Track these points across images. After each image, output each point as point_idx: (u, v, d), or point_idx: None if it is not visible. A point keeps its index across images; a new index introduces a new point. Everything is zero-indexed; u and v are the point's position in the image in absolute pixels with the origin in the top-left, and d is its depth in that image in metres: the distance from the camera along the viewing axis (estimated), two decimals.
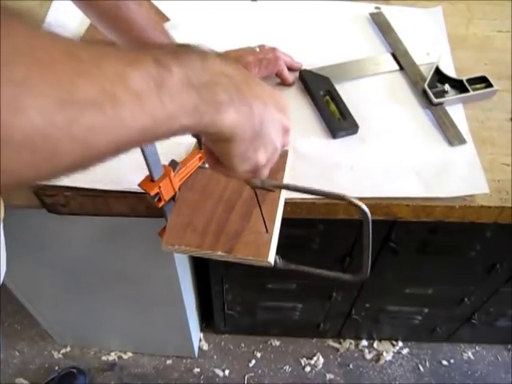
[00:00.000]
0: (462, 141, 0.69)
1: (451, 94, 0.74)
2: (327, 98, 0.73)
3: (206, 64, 0.32)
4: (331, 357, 1.46)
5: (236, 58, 0.69)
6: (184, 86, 0.29)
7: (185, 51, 0.32)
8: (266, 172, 0.43)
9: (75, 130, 0.23)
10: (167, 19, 0.81)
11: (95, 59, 0.25)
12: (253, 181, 0.44)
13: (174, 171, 0.54)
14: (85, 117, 0.23)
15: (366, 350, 1.47)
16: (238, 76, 0.34)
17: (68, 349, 1.45)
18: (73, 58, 0.23)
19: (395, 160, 0.67)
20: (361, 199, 0.63)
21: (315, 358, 1.45)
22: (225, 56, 0.35)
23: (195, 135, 0.53)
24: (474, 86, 0.75)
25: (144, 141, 0.29)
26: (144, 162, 0.51)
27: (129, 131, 0.26)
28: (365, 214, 0.44)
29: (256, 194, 0.51)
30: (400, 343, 1.48)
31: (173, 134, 0.31)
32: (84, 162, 0.26)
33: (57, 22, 0.81)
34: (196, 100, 0.30)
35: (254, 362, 1.44)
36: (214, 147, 0.38)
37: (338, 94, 0.73)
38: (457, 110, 0.73)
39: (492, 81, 0.75)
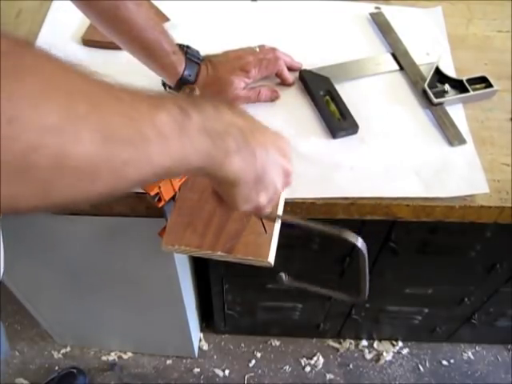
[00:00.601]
0: (461, 141, 0.69)
1: (451, 94, 0.74)
2: (327, 97, 0.73)
3: (220, 114, 0.35)
4: (331, 357, 1.46)
5: (236, 58, 0.69)
6: (201, 132, 0.33)
7: (201, 101, 0.35)
8: (268, 210, 0.46)
9: (113, 163, 0.27)
10: (167, 19, 0.81)
11: (132, 101, 0.29)
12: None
13: None
14: (122, 152, 0.27)
15: (366, 350, 1.47)
16: (246, 126, 0.38)
17: (68, 349, 1.45)
18: (117, 100, 0.28)
19: (395, 160, 0.67)
20: (361, 199, 0.64)
21: (315, 358, 1.45)
22: (234, 107, 0.38)
23: None
24: (474, 86, 0.75)
25: (163, 177, 0.34)
26: None
27: (154, 168, 0.30)
28: (361, 251, 0.47)
29: (262, 220, 0.52)
30: (400, 343, 1.48)
31: (185, 173, 0.36)
32: (113, 191, 0.29)
33: (57, 22, 0.81)
34: (209, 146, 0.33)
35: (253, 361, 1.44)
36: (219, 189, 0.42)
37: (338, 94, 0.73)
38: (457, 110, 0.73)
39: (492, 81, 0.75)
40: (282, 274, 0.54)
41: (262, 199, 0.43)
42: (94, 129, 0.25)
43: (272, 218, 0.51)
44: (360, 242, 0.46)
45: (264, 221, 0.52)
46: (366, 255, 0.47)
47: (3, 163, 0.21)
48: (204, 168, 0.34)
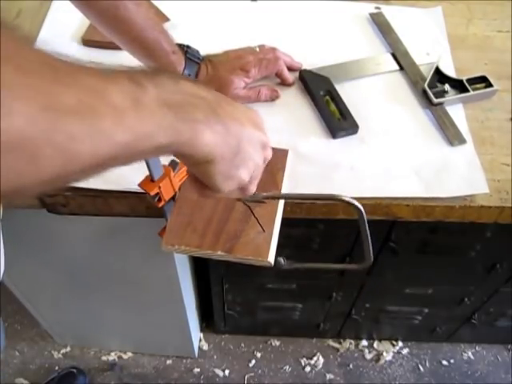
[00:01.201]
0: (461, 141, 0.69)
1: (451, 94, 0.74)
2: (327, 97, 0.73)
3: (179, 85, 0.33)
4: (331, 357, 1.46)
5: (236, 57, 0.69)
6: (159, 104, 0.30)
7: (156, 73, 0.32)
8: (253, 188, 0.44)
9: (56, 137, 0.23)
10: (167, 19, 0.81)
11: (72, 71, 0.26)
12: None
13: (173, 171, 0.54)
14: (65, 124, 0.24)
15: (366, 350, 1.47)
16: (212, 98, 0.35)
17: (68, 349, 1.45)
18: (51, 67, 0.24)
19: (395, 160, 0.67)
20: (361, 199, 0.64)
21: (315, 358, 1.45)
22: (197, 80, 0.36)
23: None
24: (474, 86, 0.75)
25: (126, 157, 0.29)
26: (144, 162, 0.51)
27: (110, 145, 0.27)
28: (358, 209, 0.44)
29: (250, 208, 0.51)
30: (400, 343, 1.48)
31: (153, 153, 0.31)
32: (67, 173, 0.26)
33: (57, 22, 0.81)
34: (172, 119, 0.31)
35: (253, 361, 1.44)
36: (197, 171, 0.38)
37: (338, 94, 0.73)
38: (457, 110, 0.73)
39: (492, 81, 0.75)
40: (280, 259, 0.53)
41: (244, 175, 0.40)
42: (24, 98, 0.22)
43: (261, 200, 0.49)
44: (356, 202, 0.44)
45: (263, 220, 0.52)
46: (365, 216, 0.45)
47: None
48: (172, 145, 0.31)
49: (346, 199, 0.43)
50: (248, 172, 0.40)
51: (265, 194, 0.49)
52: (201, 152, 0.34)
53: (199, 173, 0.38)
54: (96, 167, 0.28)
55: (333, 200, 0.45)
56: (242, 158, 0.38)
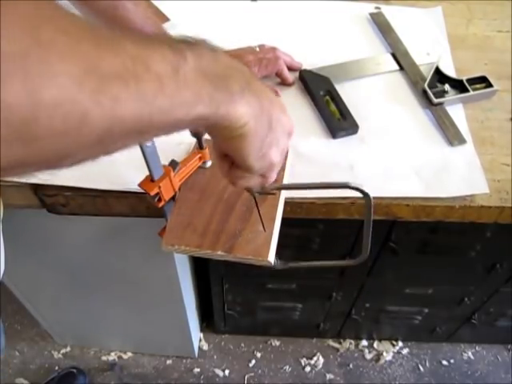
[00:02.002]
0: (461, 141, 0.69)
1: (451, 94, 0.74)
2: (327, 97, 0.73)
3: (217, 56, 0.33)
4: (331, 357, 1.46)
5: (236, 57, 0.69)
6: (198, 74, 0.30)
7: (196, 43, 0.33)
8: (274, 175, 0.43)
9: (102, 99, 0.23)
10: (167, 19, 0.81)
11: (114, 37, 0.26)
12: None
13: (173, 171, 0.54)
14: (111, 87, 0.24)
15: (366, 350, 1.47)
16: (246, 72, 0.35)
17: (68, 349, 1.45)
18: (95, 32, 0.24)
19: (395, 160, 0.67)
20: (361, 199, 0.64)
21: (315, 358, 1.45)
22: (231, 55, 0.35)
23: (195, 135, 0.53)
24: (474, 86, 0.75)
25: (166, 125, 0.29)
26: (144, 162, 0.51)
27: (151, 110, 0.27)
28: (367, 195, 0.44)
29: (255, 198, 0.51)
30: (400, 343, 1.48)
31: (192, 124, 0.31)
32: (111, 139, 0.26)
33: None
34: (210, 89, 0.30)
35: (253, 361, 1.44)
36: (229, 146, 0.37)
37: (338, 94, 0.73)
38: (457, 110, 0.73)
39: (492, 81, 0.75)
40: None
41: (274, 155, 0.39)
42: (68, 60, 0.22)
43: (270, 192, 0.49)
44: (366, 190, 0.44)
45: (264, 220, 0.52)
46: (372, 203, 0.45)
47: None
48: (209, 116, 0.31)
49: (355, 185, 0.43)
50: (278, 153, 0.40)
51: (275, 184, 0.48)
52: (236, 123, 0.33)
53: (232, 148, 0.37)
54: (136, 134, 0.28)
55: (342, 187, 0.44)
56: (273, 137, 0.38)
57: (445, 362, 1.46)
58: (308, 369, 1.44)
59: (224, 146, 0.38)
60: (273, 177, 0.43)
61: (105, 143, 0.26)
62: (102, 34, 0.25)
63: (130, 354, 1.44)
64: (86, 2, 0.59)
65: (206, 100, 0.30)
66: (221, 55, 0.34)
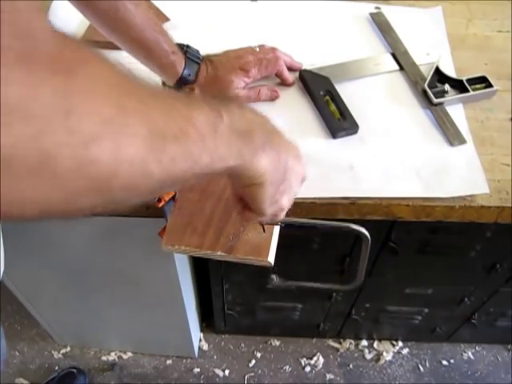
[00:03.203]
0: (462, 141, 0.69)
1: (451, 94, 0.74)
2: (327, 97, 0.73)
3: (244, 113, 0.36)
4: (331, 357, 1.46)
5: (236, 57, 0.69)
6: (231, 130, 0.33)
7: (228, 102, 0.36)
8: (283, 216, 0.47)
9: (163, 158, 0.27)
10: (167, 19, 0.81)
11: (171, 99, 0.30)
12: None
13: None
14: (170, 147, 0.27)
15: (366, 350, 1.47)
16: (268, 126, 0.39)
17: (68, 349, 1.45)
18: (160, 98, 0.28)
19: (395, 160, 0.67)
20: (361, 199, 0.64)
21: (315, 358, 1.45)
22: (254, 109, 0.39)
23: None
24: (474, 86, 0.75)
25: (203, 176, 0.33)
26: None
27: (195, 166, 0.30)
28: (366, 237, 0.49)
29: (263, 226, 0.52)
30: (400, 343, 1.48)
31: (223, 173, 0.35)
32: (161, 189, 0.30)
33: (57, 22, 0.81)
34: (239, 144, 0.34)
35: (254, 362, 1.44)
36: (246, 192, 0.41)
37: (337, 94, 0.73)
38: (457, 110, 0.73)
39: (492, 81, 0.75)
40: (273, 276, 0.54)
41: (285, 201, 0.43)
42: (143, 123, 0.25)
43: (276, 223, 0.52)
44: (364, 230, 0.49)
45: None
46: (370, 244, 0.49)
47: (64, 160, 0.21)
48: (236, 167, 0.35)
49: (356, 228, 0.49)
50: (289, 200, 0.44)
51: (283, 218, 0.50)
52: (255, 174, 0.37)
53: (249, 194, 0.41)
54: (178, 186, 0.33)
55: (341, 228, 0.50)
56: (287, 185, 0.41)
57: (445, 362, 1.46)
58: (308, 369, 1.44)
59: (241, 191, 0.42)
60: (281, 216, 0.46)
61: (153, 194, 0.30)
62: (163, 97, 0.29)
63: (129, 353, 1.44)
64: (86, 3, 0.59)
65: (235, 154, 0.34)
66: (247, 111, 0.37)
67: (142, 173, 0.26)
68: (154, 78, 0.68)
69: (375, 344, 1.48)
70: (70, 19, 0.81)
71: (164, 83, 0.70)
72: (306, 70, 0.76)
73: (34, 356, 1.44)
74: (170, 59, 0.63)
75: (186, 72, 0.65)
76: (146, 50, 0.63)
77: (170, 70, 0.65)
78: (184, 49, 0.66)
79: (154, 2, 0.83)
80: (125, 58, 0.65)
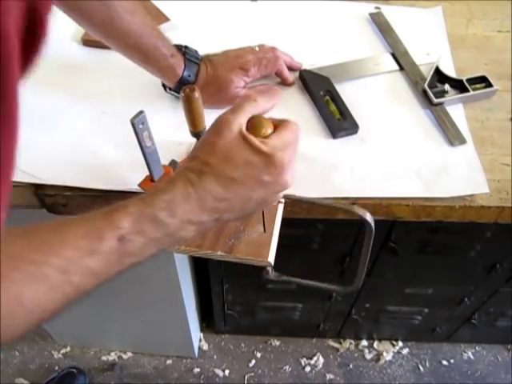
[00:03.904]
0: (462, 141, 0.69)
1: (451, 94, 0.74)
2: (327, 97, 0.73)
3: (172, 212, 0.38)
4: (331, 357, 1.46)
5: (235, 56, 0.69)
6: (151, 244, 0.38)
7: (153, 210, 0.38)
8: (278, 198, 0.46)
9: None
10: (167, 19, 0.81)
11: (55, 249, 0.34)
12: None
13: (174, 171, 0.54)
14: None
15: (366, 350, 1.47)
16: (200, 193, 0.38)
17: (68, 349, 1.45)
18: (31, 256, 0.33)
19: (395, 160, 0.67)
20: (361, 199, 0.64)
21: (315, 358, 1.45)
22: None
23: (196, 135, 0.53)
24: (474, 86, 0.75)
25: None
26: (144, 162, 0.51)
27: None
28: (369, 224, 0.46)
29: (263, 219, 0.52)
30: (400, 343, 1.48)
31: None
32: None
33: (57, 22, 0.81)
34: (156, 249, 0.39)
35: (254, 362, 1.44)
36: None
37: (337, 94, 0.73)
38: (457, 110, 0.73)
39: (492, 81, 0.75)
40: (269, 269, 0.53)
41: (257, 208, 0.43)
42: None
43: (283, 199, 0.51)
44: (368, 216, 0.45)
45: (264, 220, 0.52)
46: (373, 230, 0.46)
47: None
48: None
49: (359, 213, 0.45)
50: (262, 205, 0.43)
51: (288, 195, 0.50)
52: (199, 231, 0.41)
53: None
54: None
55: (348, 211, 0.46)
56: (250, 207, 0.42)
57: (445, 362, 1.46)
58: (308, 369, 1.44)
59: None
60: (276, 198, 0.46)
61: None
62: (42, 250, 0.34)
63: (130, 353, 1.44)
64: (80, 14, 0.60)
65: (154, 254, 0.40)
66: (179, 209, 0.38)
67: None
68: (154, 79, 0.68)
69: (375, 344, 1.48)
70: (70, 19, 0.81)
71: (164, 85, 0.70)
72: (305, 70, 0.76)
73: (34, 356, 1.44)
74: (169, 62, 0.64)
75: (185, 73, 0.65)
76: (145, 56, 0.63)
77: (169, 73, 0.65)
78: (183, 50, 0.66)
79: (154, 1, 0.83)
80: (125, 58, 0.66)
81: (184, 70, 0.65)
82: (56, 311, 0.35)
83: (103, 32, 0.61)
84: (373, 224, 0.45)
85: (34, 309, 0.33)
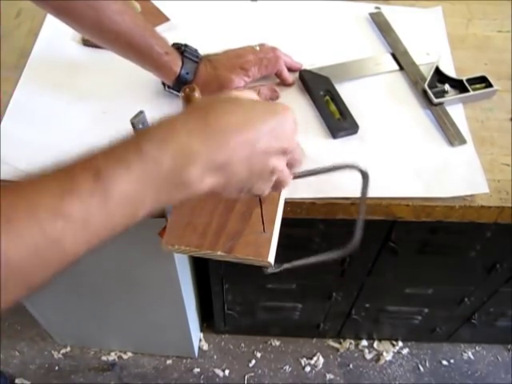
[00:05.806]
0: (462, 141, 0.69)
1: (451, 94, 0.74)
2: (327, 97, 0.73)
3: (166, 147, 0.33)
4: (331, 357, 1.46)
5: (236, 56, 0.69)
6: (139, 183, 0.32)
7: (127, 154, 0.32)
8: (287, 181, 0.45)
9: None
10: (167, 19, 0.81)
11: (27, 199, 0.29)
12: None
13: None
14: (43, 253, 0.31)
15: (366, 350, 1.47)
16: (197, 144, 0.34)
17: (68, 349, 1.45)
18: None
19: (395, 160, 0.67)
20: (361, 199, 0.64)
21: (315, 358, 1.45)
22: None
23: None
24: (473, 86, 0.75)
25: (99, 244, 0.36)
26: None
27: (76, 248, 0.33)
28: (365, 174, 0.50)
29: (260, 199, 0.51)
30: (400, 343, 1.48)
31: (142, 217, 0.36)
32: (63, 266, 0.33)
33: (57, 22, 0.81)
34: (153, 192, 0.33)
35: (254, 362, 1.44)
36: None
37: (337, 94, 0.73)
38: (457, 110, 0.73)
39: (492, 81, 0.75)
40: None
41: (259, 187, 0.41)
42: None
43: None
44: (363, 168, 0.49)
45: (264, 220, 0.52)
46: (369, 182, 0.49)
47: None
48: (164, 204, 0.36)
49: (355, 165, 0.49)
50: (264, 183, 0.41)
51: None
52: (201, 193, 0.36)
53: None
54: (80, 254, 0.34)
55: (346, 168, 0.50)
56: (253, 178, 0.39)
57: (445, 362, 1.46)
58: (308, 369, 1.44)
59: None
60: (285, 183, 0.45)
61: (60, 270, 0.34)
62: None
63: (130, 353, 1.44)
64: (71, 18, 0.60)
65: (151, 202, 0.35)
66: (173, 140, 0.34)
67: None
68: (154, 79, 0.68)
69: (375, 344, 1.48)
70: None
71: (164, 83, 0.70)
72: (305, 70, 0.76)
73: (34, 356, 1.44)
74: (164, 60, 0.64)
75: (183, 71, 0.65)
76: (138, 55, 0.63)
77: (165, 71, 0.65)
78: (182, 48, 0.66)
79: (154, 1, 0.83)
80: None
81: (182, 67, 0.65)
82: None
83: (94, 34, 0.62)
84: (369, 173, 0.49)
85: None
